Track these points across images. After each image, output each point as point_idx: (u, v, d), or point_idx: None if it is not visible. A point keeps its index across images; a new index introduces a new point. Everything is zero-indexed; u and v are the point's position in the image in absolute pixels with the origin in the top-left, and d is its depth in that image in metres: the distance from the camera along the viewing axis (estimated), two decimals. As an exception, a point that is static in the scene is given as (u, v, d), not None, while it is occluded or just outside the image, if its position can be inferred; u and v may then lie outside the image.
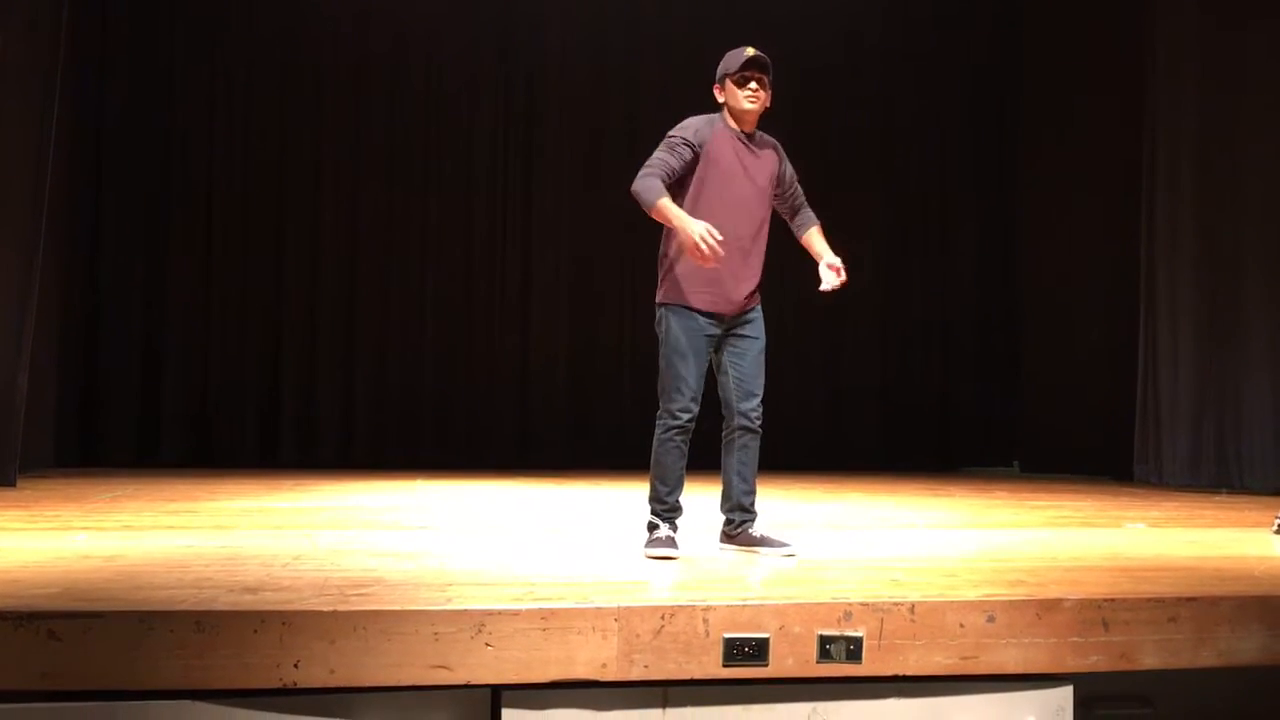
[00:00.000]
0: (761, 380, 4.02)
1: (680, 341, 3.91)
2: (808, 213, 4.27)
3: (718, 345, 4.01)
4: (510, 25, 10.56)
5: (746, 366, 3.99)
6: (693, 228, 3.68)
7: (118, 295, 9.66)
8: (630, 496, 5.94)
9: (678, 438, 3.92)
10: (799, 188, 4.24)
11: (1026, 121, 11.12)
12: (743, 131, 4.01)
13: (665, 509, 3.96)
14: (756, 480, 4.08)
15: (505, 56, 10.57)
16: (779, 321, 10.70)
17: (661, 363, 3.96)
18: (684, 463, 3.96)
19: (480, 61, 10.51)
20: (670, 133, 3.96)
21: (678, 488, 3.97)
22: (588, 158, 10.38)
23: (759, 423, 4.01)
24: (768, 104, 4.01)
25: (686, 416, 3.90)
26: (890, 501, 6.97)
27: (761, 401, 4.02)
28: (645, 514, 4.03)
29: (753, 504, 4.09)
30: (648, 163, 3.89)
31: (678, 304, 3.94)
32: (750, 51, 3.94)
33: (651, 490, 3.99)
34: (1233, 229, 8.32)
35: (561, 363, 10.44)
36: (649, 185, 3.81)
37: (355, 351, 10.15)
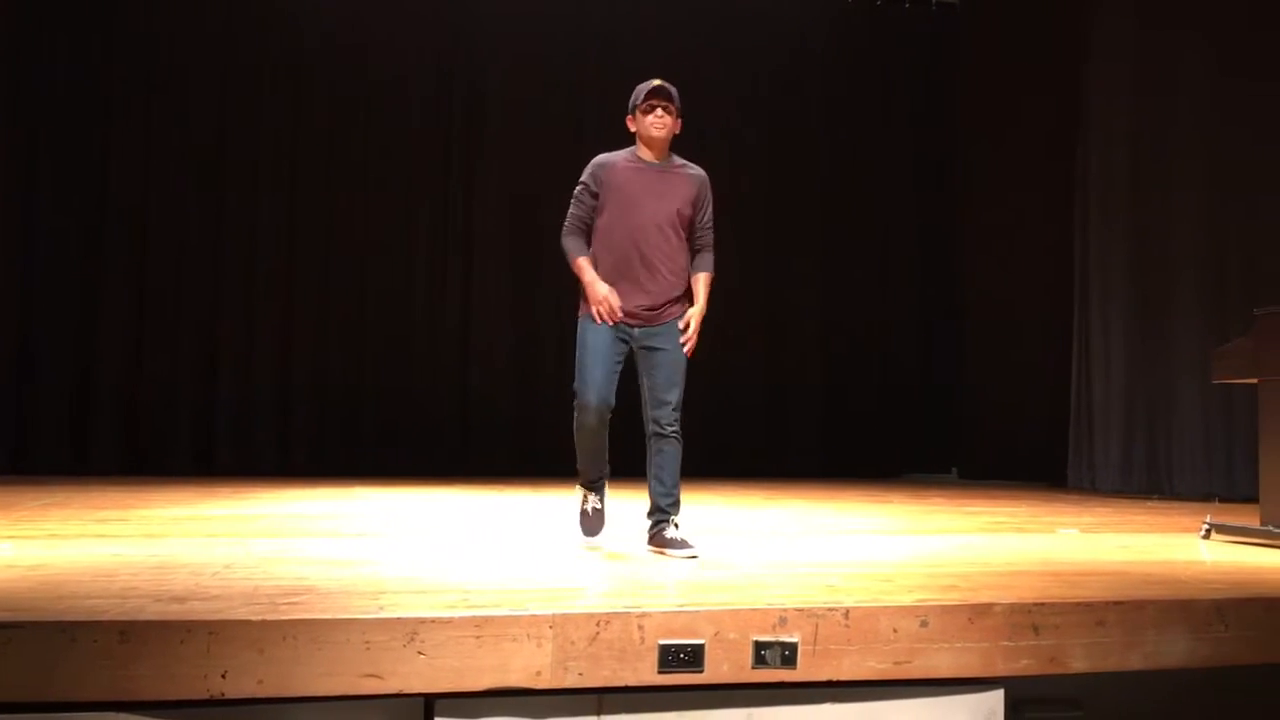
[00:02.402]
0: (675, 389, 4.22)
1: (587, 344, 4.23)
2: (704, 257, 4.38)
3: (635, 356, 4.27)
4: (452, 25, 10.52)
5: (658, 377, 4.22)
6: (596, 291, 4.19)
7: (49, 299, 9.49)
8: (571, 503, 5.90)
9: (591, 420, 4.23)
10: (709, 232, 4.38)
11: (965, 131, 11.26)
12: (654, 160, 4.28)
13: (588, 478, 4.45)
14: (679, 484, 4.24)
15: (447, 56, 10.53)
16: (721, 333, 10.80)
17: (576, 362, 4.26)
18: (602, 438, 4.31)
19: (421, 62, 10.47)
20: (580, 179, 4.32)
21: (599, 459, 4.39)
22: (531, 158, 10.35)
23: (672, 429, 4.20)
24: (676, 129, 4.28)
25: (595, 401, 4.18)
26: (830, 508, 7.01)
27: (676, 409, 4.21)
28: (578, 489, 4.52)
29: (670, 505, 4.23)
30: (567, 219, 4.32)
31: (589, 314, 4.25)
32: (655, 83, 4.26)
33: (579, 469, 4.46)
34: (1164, 240, 8.50)
35: (504, 367, 10.40)
36: (572, 245, 4.30)
37: (293, 357, 10.04)
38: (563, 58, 10.67)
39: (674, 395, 4.21)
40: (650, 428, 4.21)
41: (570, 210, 4.32)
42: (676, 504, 4.24)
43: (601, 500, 4.48)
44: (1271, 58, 7.98)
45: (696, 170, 4.35)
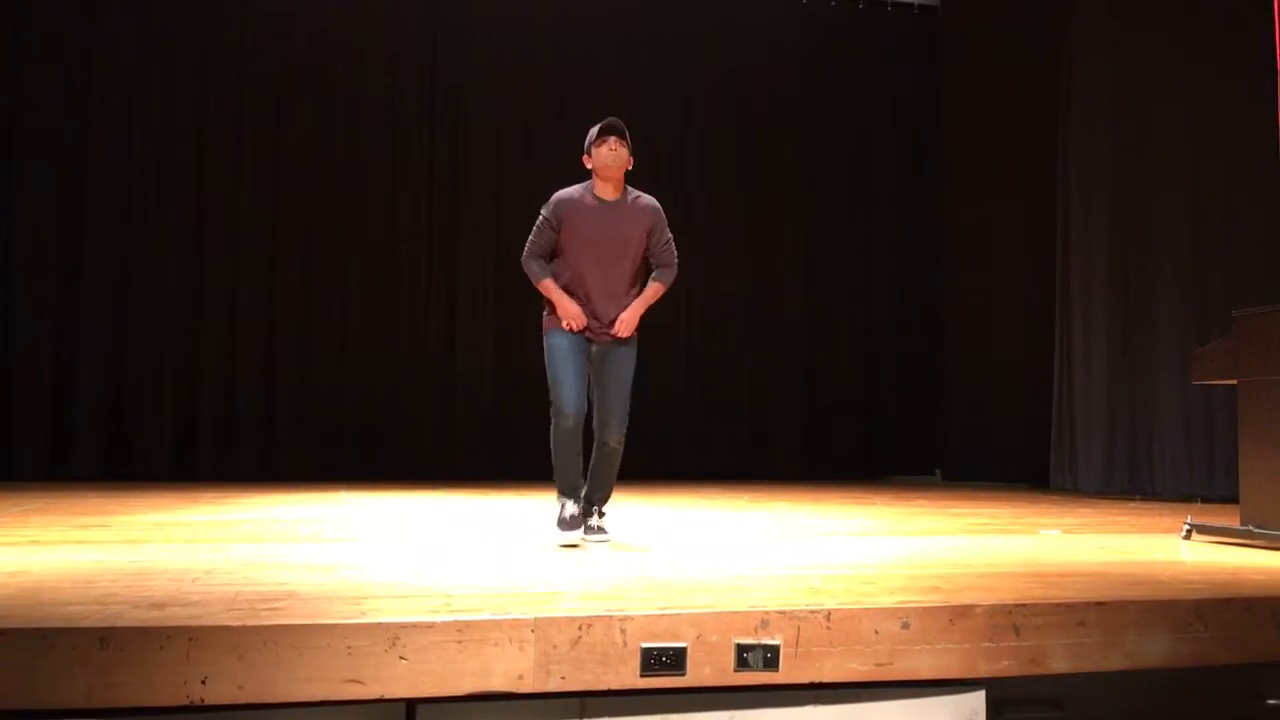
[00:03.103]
0: (620, 408, 4.64)
1: (555, 351, 4.61)
2: (662, 271, 4.75)
3: (590, 366, 4.65)
4: (436, 24, 10.52)
5: (607, 395, 4.63)
6: (568, 307, 4.57)
7: (28, 302, 9.43)
8: (550, 510, 5.90)
9: (568, 431, 4.58)
10: (665, 253, 4.73)
11: (946, 136, 11.30)
12: (611, 197, 4.60)
13: (567, 486, 4.68)
14: (611, 484, 4.76)
15: (431, 54, 10.52)
16: (705, 335, 10.85)
17: (547, 376, 4.63)
18: (579, 449, 4.63)
19: (406, 59, 10.45)
20: (541, 211, 4.67)
21: (574, 468, 4.66)
22: (514, 158, 10.35)
23: (615, 442, 4.64)
24: (629, 164, 4.60)
25: (571, 414, 4.56)
26: (813, 510, 7.02)
27: (623, 422, 4.63)
28: (553, 495, 4.75)
29: (600, 499, 4.75)
30: (528, 244, 4.68)
31: (554, 329, 4.64)
32: (608, 120, 4.60)
33: (557, 481, 4.71)
34: (1144, 242, 8.54)
35: (487, 370, 10.38)
36: (534, 269, 4.66)
37: (275, 360, 10.00)
38: (547, 54, 10.67)
39: (621, 411, 4.63)
40: (598, 436, 4.65)
41: (531, 239, 4.67)
42: (606, 499, 4.76)
43: (579, 508, 4.71)
44: (1251, 57, 8.02)
45: (649, 201, 4.68)
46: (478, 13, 10.58)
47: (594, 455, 4.70)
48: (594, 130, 4.61)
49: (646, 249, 4.68)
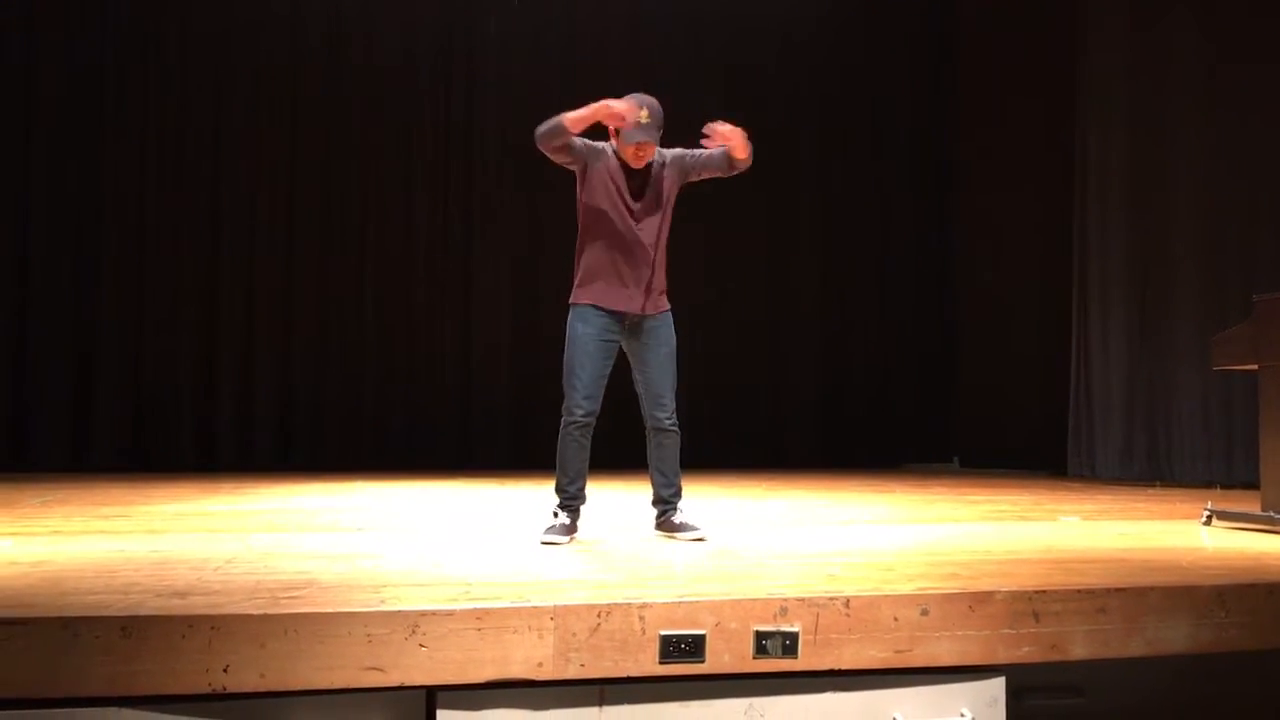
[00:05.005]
0: (669, 384, 4.31)
1: (578, 341, 4.23)
2: (718, 154, 4.33)
3: (627, 350, 4.31)
4: (449, 25, 10.51)
5: (652, 374, 4.30)
6: (611, 106, 4.05)
7: (48, 295, 9.48)
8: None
9: (576, 432, 4.24)
10: (700, 156, 4.34)
11: (962, 122, 11.25)
12: (635, 166, 4.24)
13: (566, 497, 4.28)
14: (679, 473, 4.37)
15: (445, 55, 10.52)
16: (722, 323, 10.83)
17: (564, 361, 4.26)
18: (585, 455, 4.28)
19: (420, 61, 10.45)
20: None
21: (579, 478, 4.27)
22: (527, 155, 10.32)
23: (669, 423, 4.31)
24: (657, 141, 4.24)
25: (582, 413, 4.21)
26: (831, 498, 7.01)
27: (672, 401, 4.30)
28: (553, 502, 4.35)
29: (672, 495, 4.37)
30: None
31: (581, 304, 4.26)
32: (644, 118, 4.15)
33: (556, 480, 4.31)
34: (1162, 226, 8.49)
35: (504, 363, 10.40)
36: (549, 120, 4.12)
37: (293, 351, 10.03)
38: (557, 54, 10.66)
39: (669, 390, 4.30)
40: (649, 422, 4.32)
41: None
42: (678, 493, 4.38)
43: (573, 520, 4.28)
44: (1267, 43, 7.96)
45: (668, 158, 4.31)
46: (489, 7, 10.55)
47: (651, 448, 4.30)
48: (629, 116, 4.18)
49: (689, 182, 4.32)
